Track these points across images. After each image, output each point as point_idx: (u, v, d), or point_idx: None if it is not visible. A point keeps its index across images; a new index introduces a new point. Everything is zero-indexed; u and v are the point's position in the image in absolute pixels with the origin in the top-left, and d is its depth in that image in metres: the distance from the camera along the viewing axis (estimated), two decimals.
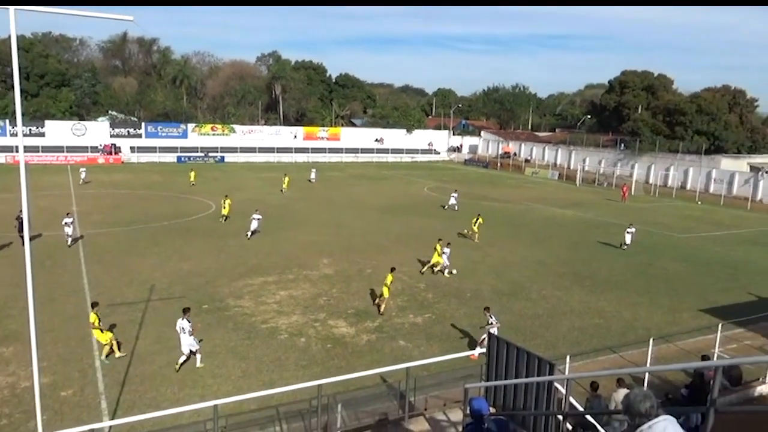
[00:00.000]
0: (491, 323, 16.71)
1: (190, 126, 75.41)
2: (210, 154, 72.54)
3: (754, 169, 57.57)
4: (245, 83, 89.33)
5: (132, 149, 69.61)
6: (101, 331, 15.77)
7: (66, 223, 27.64)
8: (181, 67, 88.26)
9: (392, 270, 20.97)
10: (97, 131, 69.71)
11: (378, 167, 73.12)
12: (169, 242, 28.92)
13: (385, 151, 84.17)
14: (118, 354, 15.76)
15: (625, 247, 30.85)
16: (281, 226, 33.80)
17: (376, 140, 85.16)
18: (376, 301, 20.65)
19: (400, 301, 21.41)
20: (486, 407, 5.92)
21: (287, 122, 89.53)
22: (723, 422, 12.42)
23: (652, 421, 3.08)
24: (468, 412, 6.90)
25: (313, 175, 55.20)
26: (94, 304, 16.37)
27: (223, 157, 72.76)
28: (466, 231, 32.17)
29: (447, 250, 25.18)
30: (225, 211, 34.19)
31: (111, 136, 69.91)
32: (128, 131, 71.60)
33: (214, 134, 76.03)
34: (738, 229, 39.34)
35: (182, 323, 15.40)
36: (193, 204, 40.26)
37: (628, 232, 31.18)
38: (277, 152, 76.69)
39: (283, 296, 21.47)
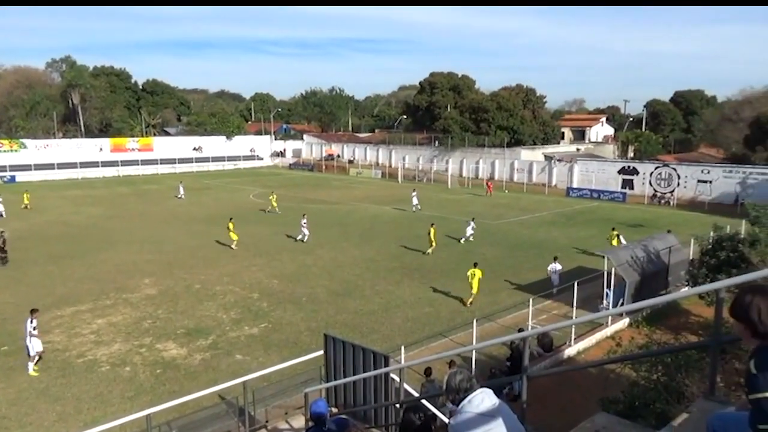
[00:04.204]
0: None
1: None
2: None
3: (548, 158, 64.97)
4: (34, 92, 79.58)
5: None
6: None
7: None
8: None
9: (475, 265, 21.87)
10: None
11: (199, 177, 69.82)
12: None
13: (205, 159, 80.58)
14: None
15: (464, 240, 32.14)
16: (93, 247, 30.72)
17: (195, 149, 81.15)
18: (470, 300, 21.55)
19: (233, 314, 20.64)
20: (325, 408, 5.88)
21: (90, 134, 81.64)
22: (541, 385, 13.71)
23: (470, 396, 3.22)
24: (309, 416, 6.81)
25: (181, 191, 50.21)
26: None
27: (14, 177, 64.14)
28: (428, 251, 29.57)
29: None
30: (234, 237, 30.39)
31: None
32: None
33: (0, 151, 66.77)
34: (540, 212, 44.10)
35: (26, 323, 16.16)
36: None
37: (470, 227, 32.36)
38: (81, 167, 69.44)
39: (100, 324, 19.53)
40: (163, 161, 76.37)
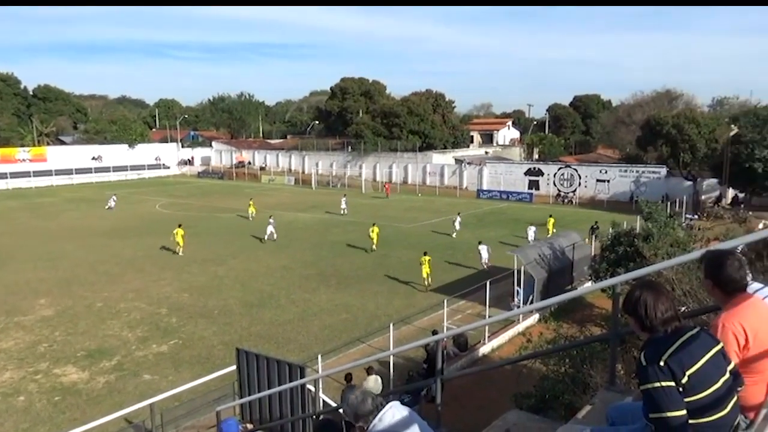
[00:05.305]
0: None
1: None
2: None
3: (458, 161, 66.68)
4: None
5: None
6: None
7: None
8: None
9: (425, 254, 24.80)
10: None
11: (99, 188, 65.89)
12: None
13: (106, 169, 76.12)
14: None
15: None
16: None
17: (94, 158, 76.49)
18: (426, 283, 24.15)
19: (140, 332, 19.58)
20: (235, 428, 5.62)
21: None
22: (458, 385, 13.88)
23: (380, 414, 3.14)
24: None
25: (112, 203, 47.97)
26: None
27: None
28: (372, 247, 31.44)
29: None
30: (180, 243, 30.83)
31: None
32: None
33: None
34: (452, 215, 44.97)
35: None
36: None
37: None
38: None
39: None
40: (59, 172, 71.46)
